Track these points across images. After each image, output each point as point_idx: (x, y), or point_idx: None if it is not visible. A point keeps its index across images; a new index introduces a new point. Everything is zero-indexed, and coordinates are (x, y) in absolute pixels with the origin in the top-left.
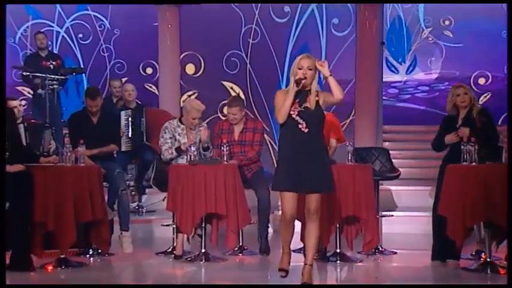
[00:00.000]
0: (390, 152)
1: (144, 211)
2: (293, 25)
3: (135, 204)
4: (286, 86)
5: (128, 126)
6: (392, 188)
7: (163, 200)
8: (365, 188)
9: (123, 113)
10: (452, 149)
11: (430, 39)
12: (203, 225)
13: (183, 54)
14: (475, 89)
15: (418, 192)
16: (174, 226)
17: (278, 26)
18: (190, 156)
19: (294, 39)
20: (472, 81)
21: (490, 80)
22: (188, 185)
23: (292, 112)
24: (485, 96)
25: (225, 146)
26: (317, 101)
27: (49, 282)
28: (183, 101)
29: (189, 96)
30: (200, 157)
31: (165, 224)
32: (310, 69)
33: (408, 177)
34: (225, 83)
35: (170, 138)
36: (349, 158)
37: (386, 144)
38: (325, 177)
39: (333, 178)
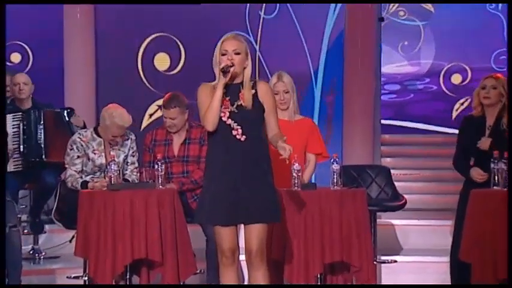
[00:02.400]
0: (392, 171)
1: (42, 257)
2: None
3: (30, 247)
4: (324, 87)
5: (19, 137)
6: (396, 222)
7: (70, 241)
8: (357, 223)
9: (9, 116)
10: (478, 167)
11: (402, 14)
12: (128, 276)
13: (151, 38)
14: (447, 92)
15: (432, 229)
16: (86, 278)
17: None
18: (111, 177)
19: (336, 13)
20: (441, 79)
21: (468, 77)
22: (107, 219)
23: (222, 114)
24: (462, 104)
25: (160, 164)
26: (254, 96)
27: None
28: (106, 111)
29: (159, 107)
30: (125, 179)
31: (72, 275)
32: (238, 54)
33: (418, 207)
34: None
35: (79, 156)
36: (335, 180)
37: (386, 161)
38: (269, 202)
39: (279, 204)
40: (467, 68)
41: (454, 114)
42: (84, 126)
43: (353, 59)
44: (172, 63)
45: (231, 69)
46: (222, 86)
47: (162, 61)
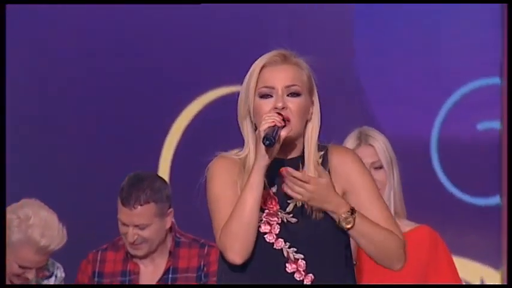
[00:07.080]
0: None
1: None
2: None
3: None
4: None
5: None
6: None
7: None
8: None
9: None
10: None
11: None
12: None
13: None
14: None
15: None
16: None
17: None
18: None
19: None
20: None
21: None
22: None
23: (265, 229)
24: None
25: None
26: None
27: None
28: (14, 213)
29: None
30: None
31: None
32: (298, 95)
33: None
34: None
35: None
36: None
37: None
38: None
39: None
40: None
41: None
42: None
43: None
44: None
45: (284, 133)
46: (264, 169)
47: None
